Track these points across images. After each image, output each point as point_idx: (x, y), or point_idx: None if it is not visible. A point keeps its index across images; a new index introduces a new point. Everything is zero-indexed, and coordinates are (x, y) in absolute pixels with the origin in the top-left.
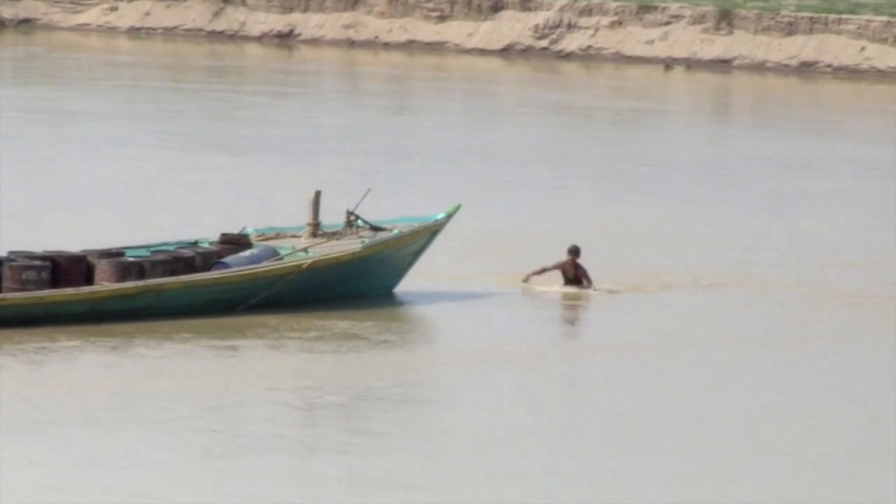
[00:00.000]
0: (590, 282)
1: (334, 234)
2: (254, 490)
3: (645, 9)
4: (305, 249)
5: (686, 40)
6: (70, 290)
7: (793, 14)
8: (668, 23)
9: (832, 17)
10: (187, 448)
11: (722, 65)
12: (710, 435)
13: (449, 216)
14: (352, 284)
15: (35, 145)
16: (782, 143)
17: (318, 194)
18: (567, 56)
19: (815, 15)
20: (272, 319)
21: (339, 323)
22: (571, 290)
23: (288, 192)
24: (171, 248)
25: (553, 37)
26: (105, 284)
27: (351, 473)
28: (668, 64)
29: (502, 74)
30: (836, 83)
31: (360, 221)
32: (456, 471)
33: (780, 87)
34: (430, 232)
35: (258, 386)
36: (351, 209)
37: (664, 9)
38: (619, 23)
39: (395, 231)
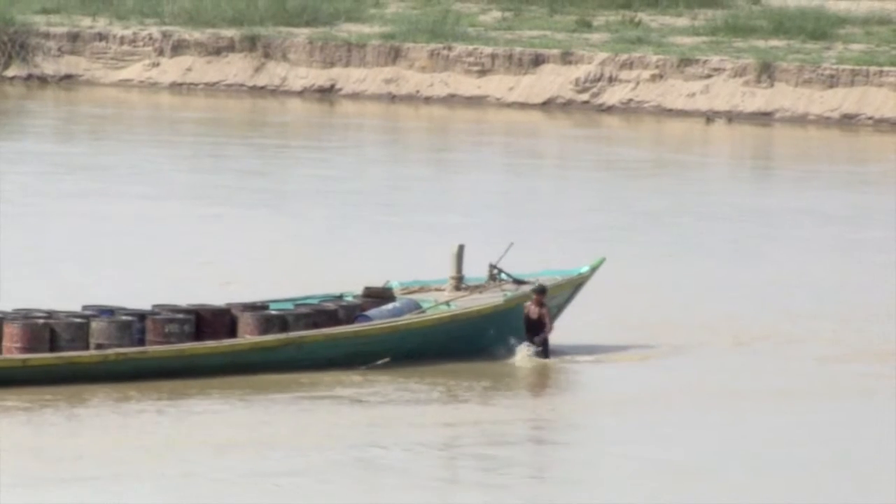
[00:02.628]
0: (549, 327)
1: (477, 288)
2: None
3: (686, 62)
4: (448, 303)
5: (727, 93)
6: (211, 343)
7: (834, 66)
8: (709, 76)
9: (873, 69)
10: (331, 484)
11: (763, 117)
12: None
13: (593, 269)
14: (494, 337)
15: (112, 201)
16: (823, 194)
17: (461, 248)
18: (608, 109)
19: (857, 67)
20: (411, 369)
21: (477, 373)
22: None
23: (403, 247)
24: (316, 301)
25: (594, 90)
26: (247, 337)
27: None
28: (710, 117)
29: (543, 128)
30: (877, 135)
31: (503, 275)
32: None
33: (822, 139)
34: (574, 285)
35: (399, 432)
36: (494, 262)
37: (705, 62)
38: (660, 76)
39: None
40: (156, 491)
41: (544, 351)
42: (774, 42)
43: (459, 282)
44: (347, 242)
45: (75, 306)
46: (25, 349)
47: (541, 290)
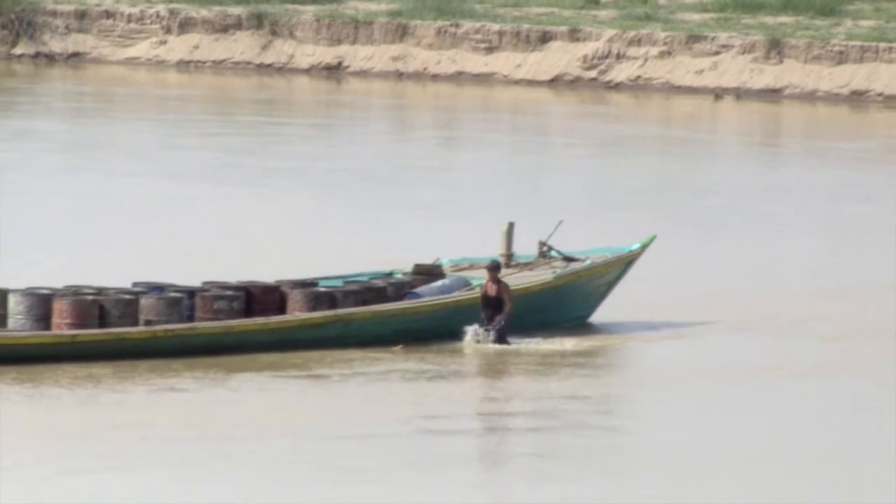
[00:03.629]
0: (510, 301)
1: (527, 265)
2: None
3: (694, 38)
4: None
5: (736, 70)
6: (259, 320)
7: (843, 43)
8: (717, 52)
9: (882, 45)
10: (384, 457)
11: (772, 94)
12: None
13: (644, 247)
14: (544, 314)
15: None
16: (832, 171)
17: (511, 225)
18: (616, 86)
19: (866, 44)
20: (460, 346)
21: (528, 349)
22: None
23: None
24: (366, 278)
25: (602, 67)
26: (296, 314)
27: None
28: (718, 94)
29: (551, 105)
30: (886, 111)
31: (553, 252)
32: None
33: (831, 116)
34: (624, 262)
35: (449, 408)
36: (543, 240)
37: (713, 38)
38: (669, 53)
39: (588, 262)
40: (200, 472)
41: (502, 332)
42: (783, 18)
43: (509, 259)
44: (361, 221)
45: (100, 282)
46: (75, 325)
47: (494, 267)
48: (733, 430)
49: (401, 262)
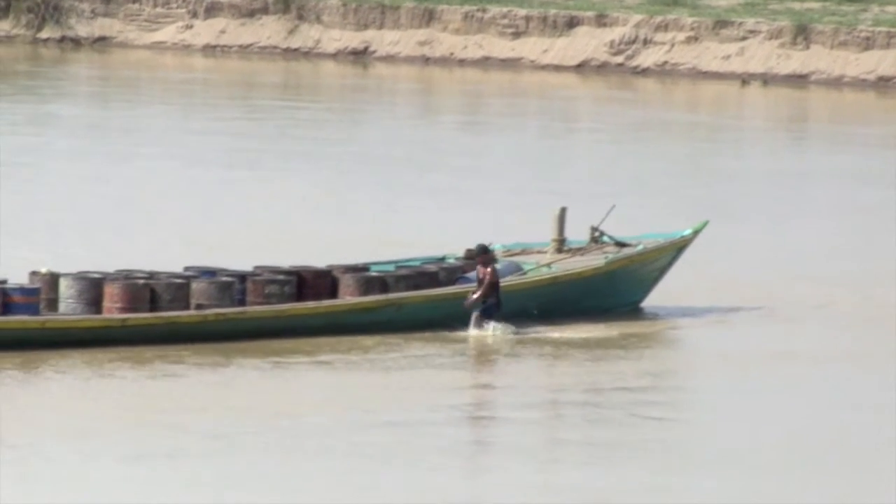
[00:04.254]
0: (487, 285)
1: (579, 250)
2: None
3: (721, 24)
4: (549, 265)
5: (762, 55)
6: (310, 304)
7: (870, 28)
8: (744, 38)
9: None
10: (434, 447)
11: (799, 80)
12: None
13: (696, 232)
14: (596, 299)
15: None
16: (857, 157)
17: (563, 210)
18: (643, 72)
19: (893, 29)
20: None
21: (580, 334)
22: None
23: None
24: (418, 263)
25: (628, 52)
26: (347, 298)
27: (589, 484)
28: (745, 79)
29: (578, 90)
30: None
31: (605, 237)
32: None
33: (857, 101)
34: (676, 248)
35: (502, 393)
36: (595, 225)
37: (740, 24)
38: (696, 38)
39: (640, 247)
40: (199, 464)
41: (483, 315)
42: (810, 4)
43: (561, 244)
44: (387, 206)
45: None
46: (126, 309)
47: (482, 250)
48: (770, 421)
49: (427, 248)
